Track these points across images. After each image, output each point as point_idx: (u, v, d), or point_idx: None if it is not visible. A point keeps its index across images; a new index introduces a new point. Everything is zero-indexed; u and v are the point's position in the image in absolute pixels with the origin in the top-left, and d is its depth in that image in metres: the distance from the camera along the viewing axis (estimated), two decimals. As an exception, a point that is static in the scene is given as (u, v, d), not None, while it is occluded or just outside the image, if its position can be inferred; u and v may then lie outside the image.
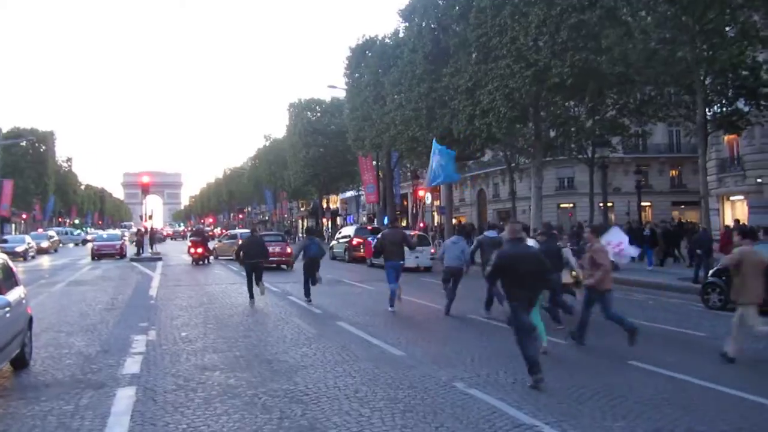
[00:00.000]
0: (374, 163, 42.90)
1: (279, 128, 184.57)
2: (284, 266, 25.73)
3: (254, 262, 15.23)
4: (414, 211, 60.64)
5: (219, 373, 8.01)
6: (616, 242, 11.76)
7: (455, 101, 28.96)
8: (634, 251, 12.99)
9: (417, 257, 24.31)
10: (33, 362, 8.68)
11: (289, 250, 26.45)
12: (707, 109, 29.23)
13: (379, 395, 7.01)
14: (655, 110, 30.47)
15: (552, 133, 31.09)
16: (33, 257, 36.56)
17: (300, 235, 58.25)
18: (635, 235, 29.45)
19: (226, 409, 6.54)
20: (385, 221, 46.17)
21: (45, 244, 42.60)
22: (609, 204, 53.28)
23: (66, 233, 64.22)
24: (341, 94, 46.96)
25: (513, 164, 45.03)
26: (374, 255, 19.77)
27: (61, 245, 50.86)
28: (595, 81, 23.40)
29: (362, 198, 70.90)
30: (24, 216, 70.72)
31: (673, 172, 53.80)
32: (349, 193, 67.39)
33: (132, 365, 8.49)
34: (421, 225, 37.80)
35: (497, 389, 7.29)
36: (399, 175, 44.87)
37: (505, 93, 25.22)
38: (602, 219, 35.08)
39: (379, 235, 18.71)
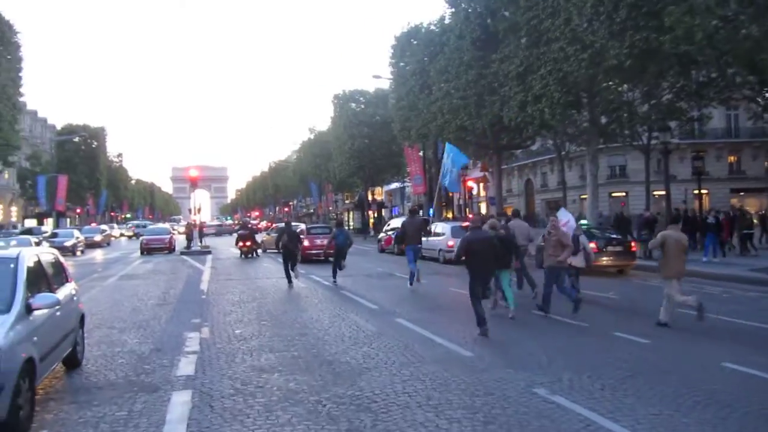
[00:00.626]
0: (420, 153, 42.11)
1: (324, 120, 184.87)
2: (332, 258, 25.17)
3: (289, 250, 17.28)
4: (461, 202, 59.76)
5: (278, 376, 7.46)
6: (565, 220, 12.73)
7: (505, 88, 27.96)
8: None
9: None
10: (85, 362, 8.30)
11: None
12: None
13: (454, 403, 6.33)
14: (717, 92, 29.01)
15: (604, 120, 29.88)
16: (82, 252, 36.22)
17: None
18: (691, 224, 28.09)
19: (289, 418, 5.96)
20: (431, 213, 45.55)
21: (98, 237, 43.18)
22: (662, 192, 51.63)
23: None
24: (386, 84, 46.29)
25: (563, 152, 43.60)
26: (397, 242, 20.39)
27: (113, 239, 51.79)
28: (655, 63, 22.09)
29: (407, 189, 70.30)
30: (78, 210, 72.28)
31: (732, 158, 51.50)
32: (394, 185, 66.73)
33: (186, 366, 8.01)
34: (470, 216, 36.84)
35: (585, 397, 6.54)
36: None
37: (559, 77, 24.14)
38: (662, 207, 33.67)
39: (400, 224, 20.44)
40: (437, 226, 25.85)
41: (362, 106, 52.31)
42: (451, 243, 23.51)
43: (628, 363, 8.00)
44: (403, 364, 7.97)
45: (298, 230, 22.07)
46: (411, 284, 16.02)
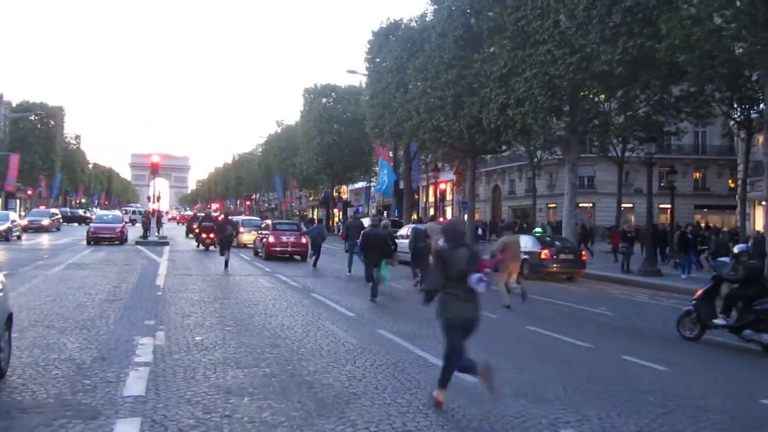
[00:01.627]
0: (390, 153, 40.90)
1: (292, 114, 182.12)
2: (298, 257, 24.01)
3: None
4: (430, 205, 58.77)
5: (248, 401, 6.08)
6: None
7: (486, 89, 26.96)
8: None
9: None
10: (11, 371, 6.78)
11: (303, 240, 24.46)
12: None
13: (472, 449, 5.10)
14: (695, 107, 28.59)
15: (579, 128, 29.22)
16: (19, 237, 31.94)
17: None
18: (661, 239, 27.49)
19: (266, 465, 4.63)
20: (396, 214, 44.32)
21: (45, 221, 40.49)
22: (629, 205, 51.54)
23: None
24: (359, 81, 45.11)
25: (536, 159, 42.95)
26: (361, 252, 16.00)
27: (65, 224, 48.77)
28: (647, 71, 21.30)
29: (374, 189, 69.14)
30: (30, 192, 68.97)
31: (697, 174, 51.68)
32: (360, 184, 65.47)
33: (136, 382, 6.57)
34: (441, 220, 35.81)
35: (626, 445, 5.37)
36: (418, 166, 42.84)
37: (544, 81, 23.21)
38: (628, 219, 33.15)
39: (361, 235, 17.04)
40: (409, 229, 24.60)
41: (333, 102, 50.86)
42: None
43: (654, 395, 6.90)
44: (396, 390, 6.69)
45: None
46: (373, 298, 13.42)
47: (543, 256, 20.01)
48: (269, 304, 12.50)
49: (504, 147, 34.46)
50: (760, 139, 36.79)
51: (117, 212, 49.13)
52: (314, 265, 20.74)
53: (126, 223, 35.18)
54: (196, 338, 8.92)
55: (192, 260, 22.47)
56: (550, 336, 10.45)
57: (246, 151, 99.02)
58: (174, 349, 8.20)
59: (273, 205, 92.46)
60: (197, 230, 30.43)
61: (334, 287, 15.71)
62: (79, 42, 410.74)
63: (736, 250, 11.41)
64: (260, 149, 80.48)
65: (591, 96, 26.01)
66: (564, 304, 14.84)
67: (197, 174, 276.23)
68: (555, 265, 20.31)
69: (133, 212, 72.10)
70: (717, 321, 10.17)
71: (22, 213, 53.54)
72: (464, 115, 29.38)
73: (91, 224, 31.86)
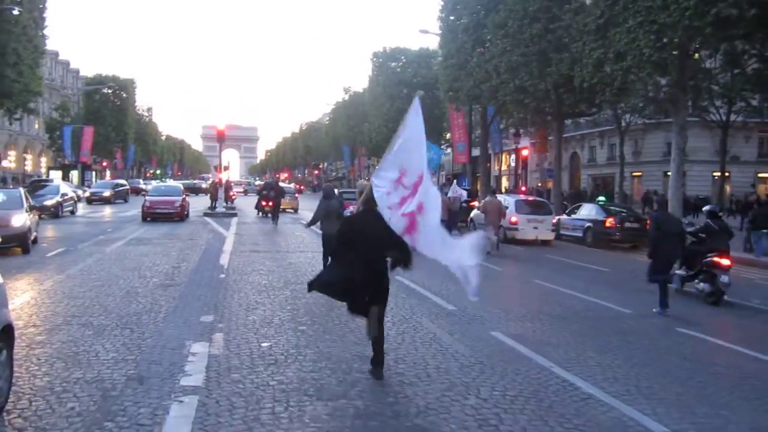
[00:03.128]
0: (466, 119, 38.09)
1: (359, 81, 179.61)
2: None
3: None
4: (504, 173, 55.73)
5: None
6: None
7: (578, 43, 23.83)
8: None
9: (536, 228, 19.82)
10: (15, 401, 4.89)
11: None
12: None
13: None
14: None
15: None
16: (72, 212, 28.12)
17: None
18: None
19: None
20: (465, 183, 41.53)
21: (107, 193, 38.86)
22: (725, 174, 47.07)
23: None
24: (430, 43, 42.41)
25: (624, 124, 39.27)
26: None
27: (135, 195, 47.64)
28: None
29: (443, 157, 66.34)
30: (105, 164, 69.68)
31: (795, 140, 46.57)
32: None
33: (176, 427, 4.55)
34: (523, 189, 33.00)
35: None
36: (498, 130, 39.85)
37: (652, 30, 20.02)
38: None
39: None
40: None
41: (403, 66, 48.15)
42: (515, 219, 19.82)
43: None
44: (558, 446, 4.43)
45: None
46: None
47: (607, 225, 19.88)
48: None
49: (594, 109, 31.07)
50: None
51: (175, 183, 41.49)
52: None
53: (185, 196, 28.69)
54: (263, 344, 6.87)
55: (260, 234, 20.67)
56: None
57: (314, 119, 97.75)
58: (234, 363, 6.16)
59: (341, 174, 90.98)
60: (258, 199, 30.84)
61: (419, 269, 13.47)
62: (150, 15, 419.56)
63: (704, 209, 12.18)
64: (328, 117, 78.73)
65: (700, 49, 22.53)
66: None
67: (266, 144, 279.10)
68: (618, 234, 20.09)
69: (248, 183, 71.32)
70: (677, 271, 11.25)
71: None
72: (551, 73, 26.36)
73: (147, 197, 26.87)
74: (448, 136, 51.84)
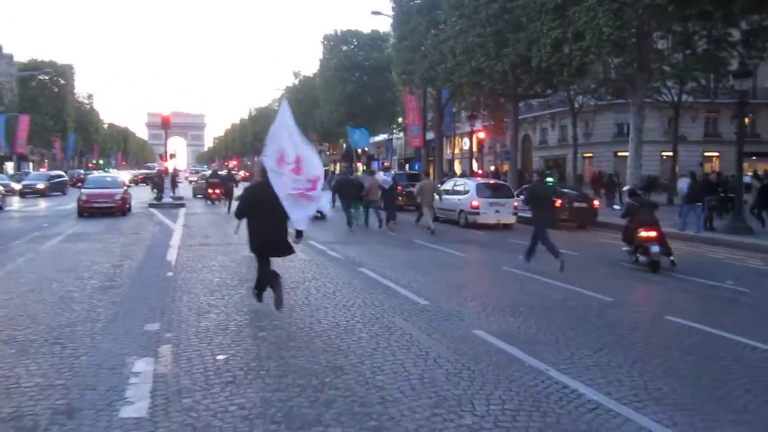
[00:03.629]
0: (420, 102, 37.37)
1: (310, 66, 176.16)
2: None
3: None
4: (457, 156, 55.27)
5: None
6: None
7: (536, 23, 23.37)
8: None
9: (497, 211, 19.26)
10: None
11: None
12: None
13: None
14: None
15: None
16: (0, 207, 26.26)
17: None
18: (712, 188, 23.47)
19: None
20: (417, 167, 40.84)
21: (41, 185, 36.44)
22: (671, 153, 47.79)
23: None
24: (382, 26, 41.34)
25: (578, 105, 39.22)
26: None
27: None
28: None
29: (396, 141, 65.57)
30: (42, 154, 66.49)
31: (746, 120, 47.45)
32: (381, 137, 61.94)
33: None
34: (480, 172, 32.54)
35: None
36: (451, 114, 39.27)
37: (613, 8, 19.62)
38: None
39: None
40: (457, 183, 21.44)
41: (355, 49, 47.05)
42: (476, 203, 19.22)
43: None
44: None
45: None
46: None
47: (557, 205, 18.30)
48: (311, 286, 9.52)
49: (550, 90, 30.73)
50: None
51: (117, 174, 37.05)
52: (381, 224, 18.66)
53: (127, 188, 25.65)
54: (219, 357, 5.94)
55: (210, 225, 19.50)
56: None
57: (263, 105, 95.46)
58: (185, 383, 5.22)
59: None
60: (205, 186, 30.65)
61: (383, 258, 12.68)
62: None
63: (623, 189, 13.53)
64: (277, 103, 76.88)
65: (658, 29, 22.30)
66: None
67: (214, 131, 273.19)
68: (567, 213, 20.01)
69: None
70: (623, 248, 12.45)
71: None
72: (508, 54, 25.85)
73: (83, 190, 23.74)
74: (400, 119, 51.13)
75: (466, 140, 56.76)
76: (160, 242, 14.82)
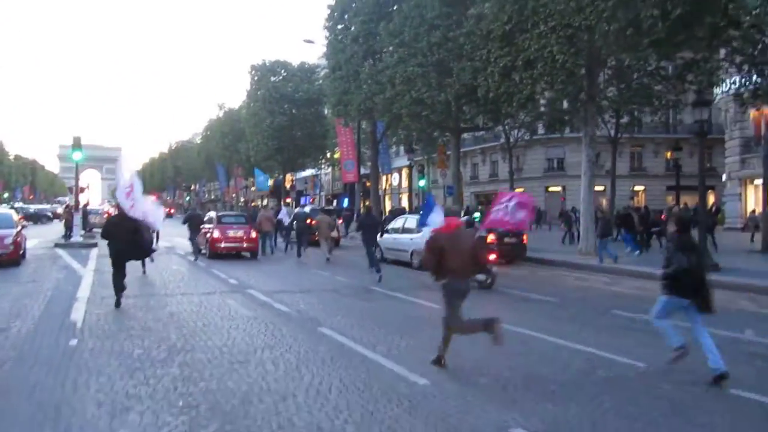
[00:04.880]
0: (355, 135, 35.61)
1: (235, 98, 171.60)
2: (247, 254, 20.55)
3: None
4: (387, 192, 53.70)
5: None
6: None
7: (482, 51, 22.11)
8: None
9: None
10: None
11: (254, 234, 20.76)
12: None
13: None
14: (702, 74, 24.64)
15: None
16: None
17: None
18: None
19: None
20: (345, 203, 38.98)
21: None
22: (600, 188, 48.00)
23: None
24: (311, 57, 39.61)
25: (513, 140, 38.53)
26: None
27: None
28: (713, 17, 16.72)
29: (324, 177, 63.54)
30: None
31: (669, 154, 48.43)
32: (309, 172, 59.77)
33: None
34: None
35: None
36: (386, 149, 37.71)
37: (567, 35, 18.56)
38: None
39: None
40: (407, 221, 19.51)
41: (284, 80, 44.97)
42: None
43: None
44: None
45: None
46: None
47: (488, 240, 18.21)
48: (266, 358, 7.18)
49: (491, 124, 29.61)
50: (753, 113, 33.67)
51: (7, 210, 26.05)
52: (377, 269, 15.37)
53: (20, 227, 19.18)
54: None
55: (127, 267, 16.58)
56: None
57: (184, 138, 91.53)
58: None
59: (214, 196, 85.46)
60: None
61: (341, 312, 10.49)
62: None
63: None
64: (200, 136, 73.43)
65: (612, 56, 21.49)
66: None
67: (132, 165, 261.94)
68: (497, 249, 18.64)
69: None
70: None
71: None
72: (452, 83, 24.51)
73: None
74: (330, 154, 49.21)
75: (396, 176, 55.75)
76: (65, 294, 12.00)
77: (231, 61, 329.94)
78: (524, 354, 7.57)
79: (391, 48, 27.86)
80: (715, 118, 45.62)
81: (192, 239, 20.10)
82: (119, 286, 10.55)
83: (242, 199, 66.54)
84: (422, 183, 33.13)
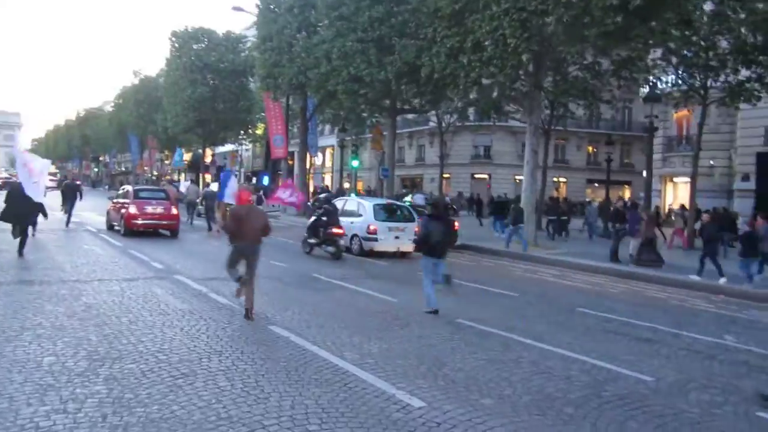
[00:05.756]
0: (284, 110, 33.75)
1: (152, 65, 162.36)
2: (167, 231, 18.87)
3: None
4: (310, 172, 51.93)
5: None
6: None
7: (428, 29, 21.09)
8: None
9: (397, 237, 16.39)
10: None
11: (174, 211, 19.06)
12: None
13: None
14: (636, 71, 24.77)
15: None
16: None
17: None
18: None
19: None
20: (265, 182, 37.34)
21: None
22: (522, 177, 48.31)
23: None
24: (238, 27, 37.24)
25: (445, 125, 37.84)
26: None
27: None
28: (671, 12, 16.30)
29: (244, 153, 60.92)
30: None
31: (590, 149, 49.47)
32: (228, 147, 56.97)
33: None
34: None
35: None
36: (315, 126, 36.10)
37: (521, 19, 17.75)
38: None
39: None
40: (347, 203, 18.21)
41: (207, 49, 42.18)
42: (373, 227, 16.20)
43: None
44: None
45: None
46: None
47: (416, 230, 17.08)
48: (216, 371, 5.80)
49: (427, 107, 28.65)
50: (675, 114, 34.45)
51: None
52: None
53: None
54: None
55: (32, 249, 14.36)
56: None
57: (94, 105, 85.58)
58: None
59: (124, 168, 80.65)
60: None
61: (291, 306, 9.17)
62: None
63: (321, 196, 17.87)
64: (112, 104, 68.65)
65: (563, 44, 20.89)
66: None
67: (34, 132, 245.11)
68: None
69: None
70: (310, 240, 15.81)
71: None
72: (393, 61, 23.36)
73: None
74: (252, 130, 46.90)
75: (319, 156, 54.13)
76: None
77: (149, 25, 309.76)
78: (515, 363, 6.57)
79: (327, 21, 26.34)
80: (636, 116, 47.00)
81: (68, 210, 20.93)
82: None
83: (154, 173, 62.85)
84: (356, 164, 31.72)
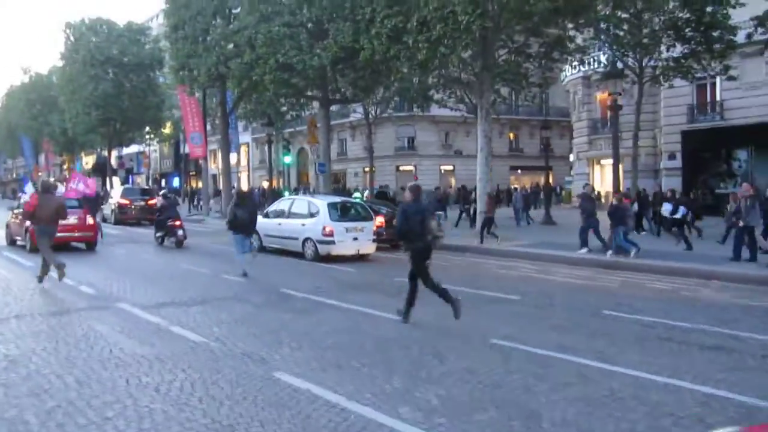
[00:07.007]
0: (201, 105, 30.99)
1: (43, 61, 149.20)
2: (82, 244, 16.41)
3: None
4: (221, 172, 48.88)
5: None
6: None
7: (366, 10, 19.41)
8: None
9: (356, 238, 14.61)
10: None
11: (91, 221, 16.58)
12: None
13: None
14: (569, 52, 24.30)
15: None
16: None
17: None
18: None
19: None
20: (175, 184, 34.55)
21: None
22: (449, 167, 47.69)
23: None
24: (140, 17, 33.96)
25: (373, 115, 36.19)
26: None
27: None
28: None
29: (154, 154, 56.85)
30: None
31: (511, 135, 49.29)
32: (133, 148, 52.85)
33: None
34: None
35: None
36: (235, 122, 33.47)
37: (474, -5, 16.40)
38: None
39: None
40: (295, 203, 16.15)
41: (107, 41, 38.38)
42: (329, 228, 14.31)
43: None
44: None
45: None
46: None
47: (378, 224, 15.76)
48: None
49: (362, 95, 26.87)
50: (599, 96, 34.51)
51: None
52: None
53: None
54: None
55: None
56: None
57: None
58: None
59: (16, 175, 73.63)
60: None
61: (280, 339, 7.27)
62: None
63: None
64: (-1, 105, 62.24)
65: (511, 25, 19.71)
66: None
67: None
68: (385, 233, 15.92)
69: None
70: (158, 234, 17.57)
71: None
72: (328, 46, 21.45)
73: None
74: (160, 129, 43.51)
75: (233, 155, 51.06)
76: None
77: (36, 18, 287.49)
78: (614, 400, 5.04)
79: (248, 5, 23.99)
80: (552, 101, 47.19)
81: None
82: None
83: (53, 179, 57.44)
84: (288, 160, 29.55)
